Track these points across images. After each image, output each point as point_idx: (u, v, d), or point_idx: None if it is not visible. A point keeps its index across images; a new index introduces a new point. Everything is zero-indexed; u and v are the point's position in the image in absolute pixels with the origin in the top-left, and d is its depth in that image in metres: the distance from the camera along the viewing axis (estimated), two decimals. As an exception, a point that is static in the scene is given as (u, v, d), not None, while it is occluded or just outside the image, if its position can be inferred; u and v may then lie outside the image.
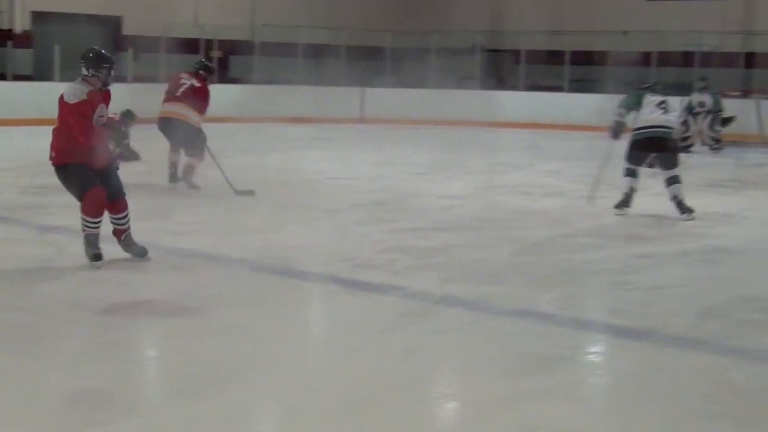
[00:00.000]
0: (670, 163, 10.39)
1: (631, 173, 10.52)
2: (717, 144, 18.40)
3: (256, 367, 5.20)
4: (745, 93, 21.15)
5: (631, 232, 9.49)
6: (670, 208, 10.36)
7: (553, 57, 25.66)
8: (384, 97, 24.49)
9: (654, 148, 10.40)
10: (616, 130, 10.77)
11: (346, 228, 9.41)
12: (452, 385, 5.24)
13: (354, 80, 25.16)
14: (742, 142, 19.26)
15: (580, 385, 5.10)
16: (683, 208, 10.30)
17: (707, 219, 10.29)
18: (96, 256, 7.30)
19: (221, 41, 24.90)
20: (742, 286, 7.28)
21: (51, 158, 7.40)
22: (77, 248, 7.40)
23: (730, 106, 18.94)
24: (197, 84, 11.68)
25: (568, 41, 25.42)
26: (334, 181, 12.70)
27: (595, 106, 21.16)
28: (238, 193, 11.09)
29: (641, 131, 10.45)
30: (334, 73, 24.57)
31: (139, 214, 7.82)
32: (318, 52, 25.13)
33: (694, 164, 16.36)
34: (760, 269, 7.92)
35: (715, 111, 18.37)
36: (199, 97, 11.62)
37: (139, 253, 7.54)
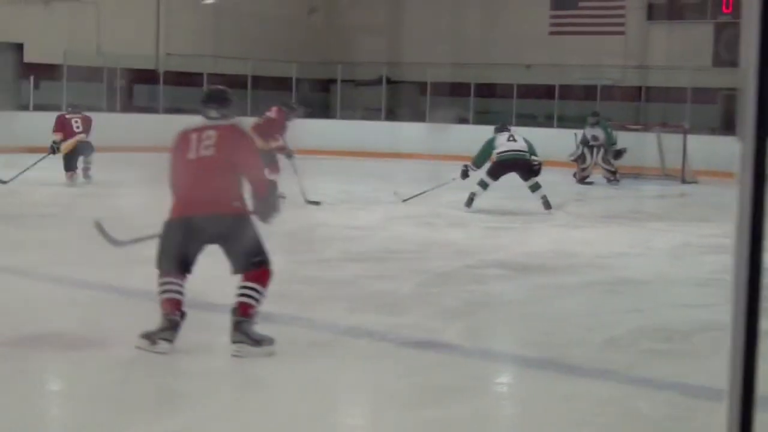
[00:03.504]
0: (529, 174, 13.13)
1: (482, 184, 13.09)
2: (614, 176, 18.73)
3: (167, 400, 5.10)
4: (646, 126, 21.54)
5: (535, 263, 9.56)
6: (573, 239, 10.74)
7: (458, 89, 25.90)
8: (290, 128, 24.39)
9: (514, 167, 13.09)
10: (465, 174, 13.52)
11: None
12: (358, 416, 5.21)
13: (260, 111, 25.07)
14: (639, 174, 19.59)
15: (486, 416, 5.09)
16: (548, 205, 13.06)
17: (610, 250, 10.43)
18: (269, 338, 5.96)
19: (125, 70, 24.62)
20: (645, 316, 7.36)
21: (218, 206, 6.16)
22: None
23: (629, 139, 19.27)
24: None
25: (472, 74, 25.69)
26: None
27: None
28: (308, 202, 13.26)
29: (502, 154, 13.12)
30: (239, 103, 24.39)
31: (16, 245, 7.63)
32: (223, 82, 24.97)
33: (594, 196, 16.63)
34: (662, 300, 8.02)
35: (609, 144, 18.74)
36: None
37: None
